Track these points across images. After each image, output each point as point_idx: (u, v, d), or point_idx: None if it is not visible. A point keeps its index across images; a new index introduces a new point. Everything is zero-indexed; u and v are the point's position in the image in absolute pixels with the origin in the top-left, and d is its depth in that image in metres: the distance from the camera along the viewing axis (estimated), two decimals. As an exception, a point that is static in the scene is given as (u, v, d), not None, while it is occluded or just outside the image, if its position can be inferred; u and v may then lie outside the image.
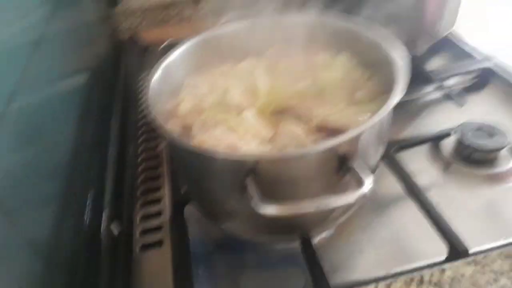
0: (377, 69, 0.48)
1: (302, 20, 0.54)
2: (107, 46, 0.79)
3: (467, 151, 0.58)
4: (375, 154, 0.44)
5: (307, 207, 0.32)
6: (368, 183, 0.33)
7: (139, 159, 0.63)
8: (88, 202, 0.48)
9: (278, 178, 0.36)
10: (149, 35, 0.92)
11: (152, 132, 0.67)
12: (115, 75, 0.74)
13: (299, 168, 0.37)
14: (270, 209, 0.31)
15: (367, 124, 0.37)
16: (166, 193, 0.57)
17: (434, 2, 0.68)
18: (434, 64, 0.80)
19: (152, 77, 0.44)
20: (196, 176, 0.41)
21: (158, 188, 0.58)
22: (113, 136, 0.60)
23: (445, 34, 0.76)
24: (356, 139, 0.37)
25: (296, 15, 0.54)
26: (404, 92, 0.39)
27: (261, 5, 0.52)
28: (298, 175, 0.37)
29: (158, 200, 0.55)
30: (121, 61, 0.78)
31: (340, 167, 0.37)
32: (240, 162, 0.34)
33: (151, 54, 0.86)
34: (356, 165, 0.35)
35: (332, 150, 0.36)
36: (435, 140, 0.61)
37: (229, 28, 0.53)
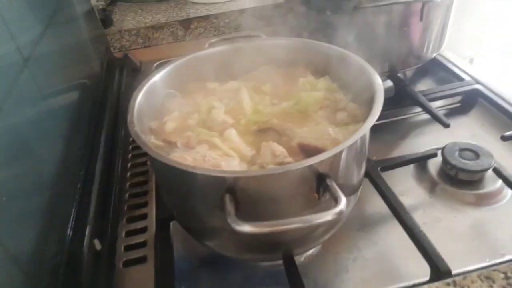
0: (357, 92, 0.49)
1: (286, 44, 0.56)
2: (100, 64, 0.81)
3: (453, 171, 0.59)
4: (356, 173, 0.44)
5: (284, 225, 0.33)
6: (344, 202, 0.33)
7: (128, 174, 0.63)
8: (72, 217, 0.48)
9: (257, 196, 0.37)
10: (141, 54, 0.94)
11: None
12: (107, 92, 0.75)
13: (278, 186, 0.37)
14: (246, 227, 0.32)
15: (345, 144, 0.38)
16: (152, 208, 0.57)
17: (418, 28, 0.70)
18: (422, 85, 0.82)
19: (137, 93, 0.45)
20: (178, 192, 0.41)
21: (145, 204, 0.58)
22: (102, 151, 0.60)
23: (432, 56, 0.78)
24: (335, 157, 0.38)
25: (280, 39, 0.56)
26: (379, 114, 0.40)
27: (248, 28, 0.53)
28: (277, 193, 0.37)
29: (144, 216, 0.55)
30: (113, 79, 0.80)
31: (319, 186, 0.37)
32: (218, 178, 0.35)
33: (144, 72, 0.88)
34: (333, 183, 0.36)
35: (310, 168, 0.36)
36: (421, 160, 0.62)
37: (215, 49, 0.54)
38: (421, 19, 0.69)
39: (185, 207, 0.43)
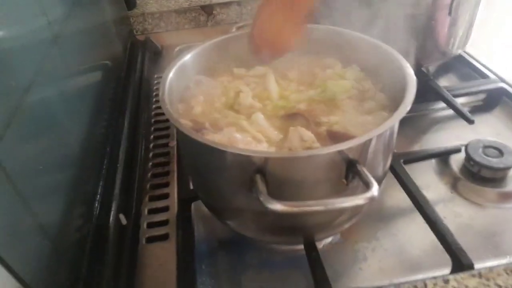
0: (386, 82, 0.49)
1: (315, 30, 0.56)
2: (123, 46, 0.81)
3: (476, 168, 0.58)
4: (382, 163, 0.44)
5: (315, 205, 0.33)
6: (377, 187, 0.34)
7: (150, 155, 0.64)
8: (99, 192, 0.49)
9: (286, 178, 0.37)
10: (163, 38, 0.94)
11: (164, 129, 0.68)
12: (129, 74, 0.75)
13: (307, 169, 0.37)
14: (278, 205, 0.32)
15: (376, 132, 0.38)
16: (174, 188, 0.57)
17: (446, 22, 0.69)
18: (446, 81, 0.81)
19: (168, 72, 0.45)
20: (205, 171, 0.41)
21: (166, 184, 0.59)
22: (125, 131, 0.61)
23: (457, 53, 0.77)
24: (364, 145, 0.38)
25: (309, 26, 0.55)
26: (411, 105, 0.39)
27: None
28: (306, 176, 0.38)
29: (166, 195, 0.56)
30: (136, 61, 0.80)
31: (348, 172, 0.37)
32: (250, 158, 0.35)
33: (165, 56, 0.88)
34: (364, 169, 0.36)
35: (340, 154, 0.37)
36: (444, 155, 0.62)
37: (243, 33, 0.54)
38: (449, 13, 0.68)
39: (212, 187, 0.43)
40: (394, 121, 0.40)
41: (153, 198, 0.55)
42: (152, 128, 0.69)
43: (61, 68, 0.48)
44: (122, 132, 0.61)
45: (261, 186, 0.34)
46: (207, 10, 0.96)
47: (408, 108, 0.41)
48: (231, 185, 0.40)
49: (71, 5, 0.57)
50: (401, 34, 0.71)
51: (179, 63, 0.47)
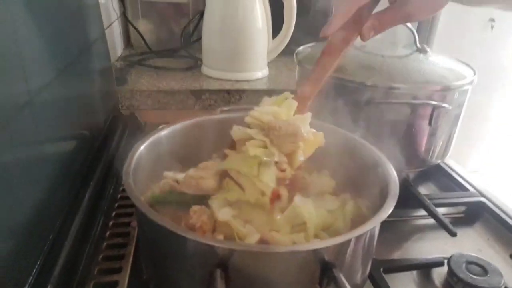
0: (366, 184, 0.47)
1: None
2: (105, 118, 0.80)
3: (459, 285, 0.54)
4: (362, 269, 0.40)
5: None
6: (354, 298, 0.29)
7: (107, 234, 0.57)
8: (34, 272, 0.41)
9: (251, 276, 0.32)
10: (148, 115, 0.94)
11: (130, 207, 0.63)
12: (104, 146, 0.72)
13: (277, 268, 0.33)
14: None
15: (355, 232, 0.34)
16: (126, 277, 0.50)
17: (426, 132, 0.71)
18: (424, 189, 0.80)
19: (140, 145, 0.43)
20: (161, 259, 0.36)
21: (119, 269, 0.51)
22: (85, 204, 0.55)
23: (437, 162, 0.77)
24: (342, 246, 0.34)
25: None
26: (391, 209, 0.37)
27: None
28: (275, 276, 0.33)
29: (115, 283, 0.48)
30: (114, 135, 0.78)
31: (323, 276, 0.33)
32: (212, 248, 0.30)
33: (148, 132, 0.86)
34: (341, 275, 0.31)
35: (316, 253, 0.32)
36: (427, 268, 0.57)
37: (225, 116, 0.53)
38: (429, 124, 0.69)
39: (166, 278, 0.37)
40: (375, 223, 0.37)
41: (98, 286, 0.48)
42: (116, 205, 0.64)
43: (28, 134, 0.45)
44: (81, 206, 0.55)
45: (219, 284, 0.29)
46: (196, 94, 0.98)
47: (390, 211, 0.38)
48: (188, 279, 0.34)
49: (56, 74, 0.56)
50: (383, 138, 0.72)
51: (153, 138, 0.45)
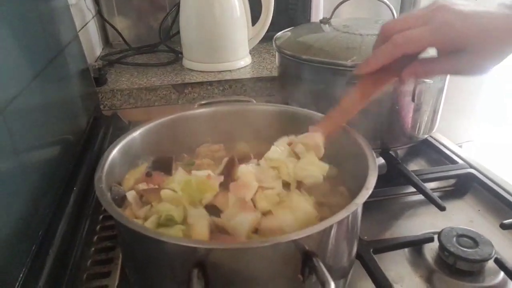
0: (349, 166, 0.46)
1: (274, 110, 0.54)
2: (86, 121, 0.78)
3: (451, 259, 0.54)
4: (347, 252, 0.39)
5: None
6: (333, 286, 0.28)
7: (95, 238, 0.57)
8: (17, 284, 0.41)
9: (231, 274, 0.32)
10: (131, 114, 0.92)
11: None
12: (86, 150, 0.71)
13: (257, 263, 0.32)
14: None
15: (335, 218, 0.34)
16: (115, 280, 0.50)
17: (410, 108, 0.70)
18: (414, 165, 0.80)
19: (112, 148, 0.42)
20: (139, 263, 0.35)
21: (107, 274, 0.51)
22: (69, 211, 0.55)
23: (424, 137, 0.77)
24: (323, 234, 0.33)
25: (269, 105, 0.54)
26: (371, 190, 0.36)
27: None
28: (256, 272, 0.32)
29: (105, 287, 0.48)
30: (96, 137, 0.77)
31: (304, 266, 0.32)
32: (187, 248, 0.30)
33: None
34: (321, 264, 0.31)
35: (295, 244, 0.32)
36: (417, 245, 0.57)
37: (201, 111, 0.52)
38: (413, 100, 0.69)
39: (148, 280, 0.37)
40: (355, 206, 0.36)
41: (88, 291, 0.48)
42: (103, 208, 0.63)
43: (3, 145, 0.44)
44: (64, 212, 0.54)
45: (196, 284, 0.28)
46: (179, 89, 0.96)
47: (370, 191, 0.37)
48: (168, 281, 0.34)
49: (29, 81, 0.55)
50: (367, 118, 0.71)
51: (126, 140, 0.44)
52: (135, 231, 0.30)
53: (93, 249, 0.55)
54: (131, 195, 0.41)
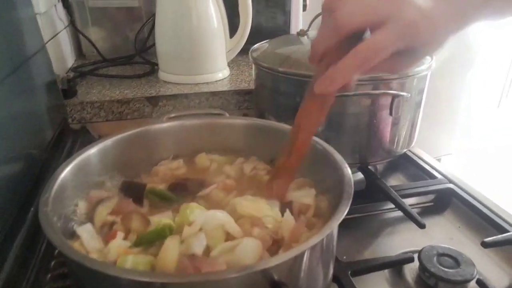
0: (323, 183, 0.44)
1: (245, 124, 0.52)
2: (53, 135, 0.74)
3: (432, 280, 0.52)
4: (321, 278, 0.36)
5: None
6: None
7: (52, 263, 0.52)
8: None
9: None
10: (102, 128, 0.88)
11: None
12: (49, 165, 0.67)
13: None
14: None
15: (307, 244, 0.31)
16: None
17: (388, 122, 0.69)
18: (393, 180, 0.78)
19: (63, 168, 0.38)
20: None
21: (63, 305, 0.47)
22: (22, 236, 0.50)
23: (402, 152, 0.75)
24: (293, 261, 0.31)
25: (240, 118, 0.51)
26: (346, 211, 0.34)
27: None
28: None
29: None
30: (62, 152, 0.72)
31: (273, 297, 0.29)
32: (138, 284, 0.26)
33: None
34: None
35: (263, 274, 0.29)
36: (397, 265, 0.55)
37: (167, 125, 0.49)
38: (390, 113, 0.67)
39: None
40: (329, 229, 0.34)
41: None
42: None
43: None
44: (18, 235, 0.50)
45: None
46: (153, 101, 0.93)
47: (345, 214, 0.35)
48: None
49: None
50: (345, 132, 0.69)
51: (79, 158, 0.40)
52: (80, 263, 0.27)
53: (49, 275, 0.50)
54: (85, 229, 0.37)
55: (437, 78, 0.75)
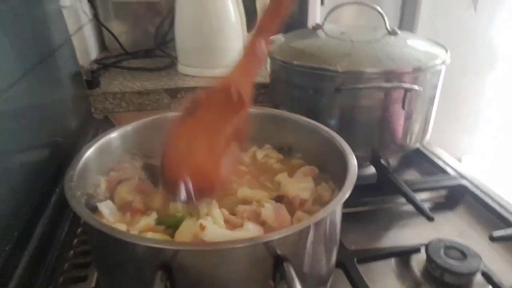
0: (331, 169, 0.45)
1: (257, 113, 0.53)
2: (77, 124, 0.78)
3: (438, 272, 0.52)
4: (324, 261, 0.38)
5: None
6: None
7: (75, 241, 0.56)
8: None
9: (198, 278, 0.30)
10: (123, 118, 0.92)
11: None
12: (74, 152, 0.70)
13: (226, 267, 0.31)
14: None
15: (310, 220, 0.32)
16: (91, 284, 0.48)
17: (401, 116, 0.69)
18: (406, 175, 0.78)
19: (87, 148, 0.41)
20: (108, 264, 0.34)
21: (84, 278, 0.50)
22: (49, 212, 0.54)
23: (415, 146, 0.76)
24: (296, 236, 0.32)
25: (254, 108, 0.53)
26: (349, 192, 0.35)
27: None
28: (224, 276, 0.31)
29: (80, 292, 0.47)
30: (85, 141, 0.76)
31: (276, 271, 0.31)
32: (151, 249, 0.29)
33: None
34: (290, 269, 0.29)
35: (266, 246, 0.31)
36: (403, 255, 0.56)
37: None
38: (403, 107, 0.68)
39: (116, 283, 0.35)
40: (332, 207, 0.35)
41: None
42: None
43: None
44: (42, 216, 0.53)
45: (159, 287, 0.27)
46: (171, 93, 0.96)
47: (348, 194, 0.36)
48: (136, 284, 0.33)
49: (17, 79, 0.54)
50: (357, 125, 0.70)
51: (103, 140, 0.43)
52: (100, 230, 0.29)
53: (72, 252, 0.54)
54: (106, 205, 0.40)
55: (458, 76, 0.74)
